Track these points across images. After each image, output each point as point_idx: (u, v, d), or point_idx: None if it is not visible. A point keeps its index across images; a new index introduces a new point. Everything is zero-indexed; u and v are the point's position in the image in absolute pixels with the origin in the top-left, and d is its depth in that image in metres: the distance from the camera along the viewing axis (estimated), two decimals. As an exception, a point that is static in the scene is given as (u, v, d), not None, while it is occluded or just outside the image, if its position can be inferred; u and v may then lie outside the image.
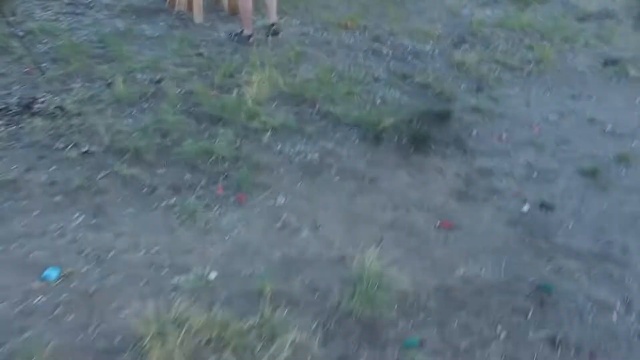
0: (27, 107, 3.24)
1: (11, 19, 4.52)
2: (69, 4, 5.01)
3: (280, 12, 5.23)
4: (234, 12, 4.88)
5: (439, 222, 2.71)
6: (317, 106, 3.52)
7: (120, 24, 4.66)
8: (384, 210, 2.74)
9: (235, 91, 3.57)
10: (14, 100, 3.34)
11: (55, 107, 3.21)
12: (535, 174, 3.26)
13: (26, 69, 3.74)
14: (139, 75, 3.72)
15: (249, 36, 4.43)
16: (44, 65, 3.80)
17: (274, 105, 3.49)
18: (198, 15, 4.83)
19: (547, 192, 3.09)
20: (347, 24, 5.00)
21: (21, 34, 4.27)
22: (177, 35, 4.46)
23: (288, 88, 3.66)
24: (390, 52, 4.57)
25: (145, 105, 3.38)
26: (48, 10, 4.81)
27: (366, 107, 3.59)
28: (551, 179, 3.23)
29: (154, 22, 4.77)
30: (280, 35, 4.50)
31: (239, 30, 4.52)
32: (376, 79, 4.01)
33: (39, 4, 4.92)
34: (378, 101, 3.70)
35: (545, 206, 2.96)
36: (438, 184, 3.00)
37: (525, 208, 2.92)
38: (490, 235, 2.71)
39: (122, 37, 4.37)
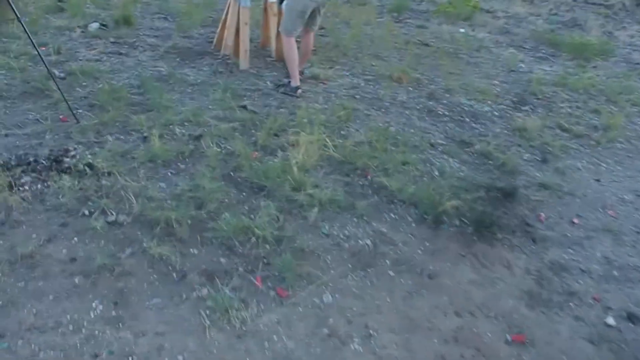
0: (56, 162, 3.01)
1: (54, 57, 4.38)
2: (114, 42, 4.86)
3: (329, 61, 4.97)
4: (281, 58, 4.63)
5: (510, 335, 2.31)
6: (369, 177, 3.18)
7: (162, 67, 4.46)
8: (445, 315, 2.36)
9: (279, 154, 3.27)
10: (44, 151, 3.11)
11: (85, 165, 2.96)
12: (615, 272, 2.83)
13: (61, 116, 3.53)
14: (177, 129, 3.47)
15: (297, 88, 4.16)
16: (79, 111, 3.60)
17: (321, 173, 3.17)
18: (244, 61, 4.60)
19: (633, 298, 2.66)
20: (400, 78, 4.70)
21: (62, 74, 4.11)
22: (221, 82, 4.22)
23: (337, 153, 3.34)
24: (447, 112, 4.23)
25: (182, 167, 3.10)
26: (93, 49, 4.66)
27: (423, 179, 3.24)
28: (635, 280, 2.79)
29: (197, 66, 4.56)
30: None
31: (285, 81, 4.26)
32: (433, 145, 3.66)
33: (85, 43, 4.79)
34: (436, 173, 3.33)
35: (633, 318, 2.53)
36: (506, 282, 2.61)
37: (610, 320, 2.50)
38: (570, 355, 2.29)
39: (163, 82, 4.16)
